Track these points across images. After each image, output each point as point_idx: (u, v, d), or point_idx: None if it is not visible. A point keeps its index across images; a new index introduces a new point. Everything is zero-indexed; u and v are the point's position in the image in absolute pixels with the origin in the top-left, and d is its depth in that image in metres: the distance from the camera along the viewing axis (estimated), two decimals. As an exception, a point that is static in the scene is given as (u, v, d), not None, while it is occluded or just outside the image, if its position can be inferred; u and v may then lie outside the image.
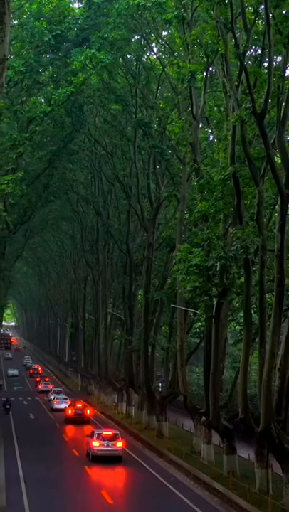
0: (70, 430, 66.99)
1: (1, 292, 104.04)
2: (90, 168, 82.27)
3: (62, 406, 78.49)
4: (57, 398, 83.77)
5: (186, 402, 51.98)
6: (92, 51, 49.57)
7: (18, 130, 52.62)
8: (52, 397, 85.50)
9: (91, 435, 50.08)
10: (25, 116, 52.13)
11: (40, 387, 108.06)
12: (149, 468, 47.16)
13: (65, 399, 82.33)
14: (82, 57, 49.81)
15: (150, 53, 61.82)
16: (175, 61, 46.62)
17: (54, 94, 51.33)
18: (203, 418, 47.46)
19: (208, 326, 45.88)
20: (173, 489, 40.66)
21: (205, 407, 46.36)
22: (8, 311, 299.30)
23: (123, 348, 78.88)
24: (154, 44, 59.96)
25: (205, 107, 47.19)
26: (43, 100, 58.80)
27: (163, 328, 69.06)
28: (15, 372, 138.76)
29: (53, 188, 77.84)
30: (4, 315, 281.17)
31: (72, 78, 51.04)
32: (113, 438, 49.28)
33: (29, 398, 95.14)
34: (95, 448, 48.52)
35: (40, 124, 53.46)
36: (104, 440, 48.79)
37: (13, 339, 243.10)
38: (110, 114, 67.49)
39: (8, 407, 74.50)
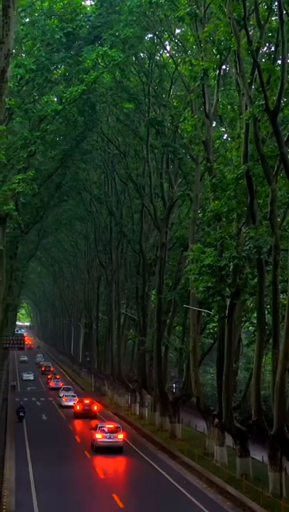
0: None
1: (14, 292, 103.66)
2: (103, 168, 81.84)
3: (70, 403, 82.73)
4: (66, 396, 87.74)
5: (198, 404, 51.40)
6: (103, 49, 49.02)
7: (29, 129, 52.09)
8: (61, 395, 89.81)
9: (95, 428, 54.55)
10: (37, 115, 51.62)
11: (51, 384, 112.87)
12: (161, 470, 46.65)
13: (74, 396, 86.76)
14: (94, 55, 49.26)
15: (163, 51, 61.34)
16: (188, 58, 45.98)
17: (65, 93, 50.77)
18: (216, 420, 46.89)
19: (221, 327, 45.38)
20: (185, 492, 40.17)
21: (218, 409, 45.84)
22: (22, 311, 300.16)
23: (136, 348, 78.35)
24: (167, 42, 59.44)
25: (218, 105, 46.57)
26: (55, 99, 58.46)
27: (177, 328, 68.58)
28: (30, 376, 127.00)
29: (66, 188, 77.43)
30: (19, 315, 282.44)
31: (84, 76, 50.49)
32: (115, 431, 53.80)
33: (42, 399, 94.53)
34: (98, 440, 52.91)
35: (52, 122, 52.92)
36: (106, 432, 53.25)
37: (28, 339, 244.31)
38: (123, 113, 66.99)
39: (22, 414, 68.35)
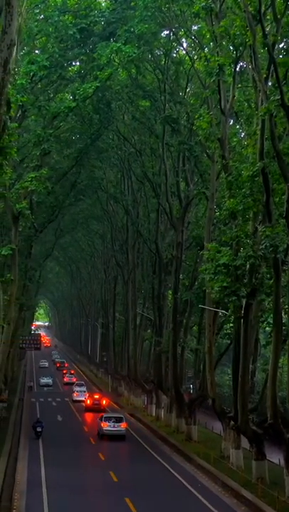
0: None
1: (30, 292, 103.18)
2: (119, 167, 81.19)
3: (81, 398, 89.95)
4: (77, 391, 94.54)
5: (214, 406, 50.61)
6: (117, 45, 48.26)
7: (43, 126, 51.46)
8: (74, 390, 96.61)
9: (101, 418, 61.88)
10: (50, 112, 50.94)
11: (66, 379, 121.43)
12: (175, 473, 45.92)
13: (84, 391, 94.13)
14: (108, 51, 48.50)
15: (179, 48, 60.57)
16: (202, 54, 45.18)
17: (79, 89, 50.05)
18: (232, 422, 46.06)
19: (237, 327, 44.52)
20: (199, 496, 39.43)
21: (233, 411, 44.98)
22: (41, 311, 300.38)
23: (153, 349, 77.66)
24: (183, 39, 58.67)
25: (234, 102, 45.75)
26: (71, 97, 57.82)
27: (193, 328, 67.82)
28: (49, 381, 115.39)
29: (81, 187, 76.77)
30: (37, 314, 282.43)
31: (98, 73, 49.78)
32: (118, 420, 61.10)
33: (58, 399, 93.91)
34: (104, 428, 59.84)
35: (65, 119, 52.28)
36: (111, 422, 60.42)
37: (46, 339, 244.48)
38: (139, 111, 66.29)
39: (39, 429, 58.22)
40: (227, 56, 43.52)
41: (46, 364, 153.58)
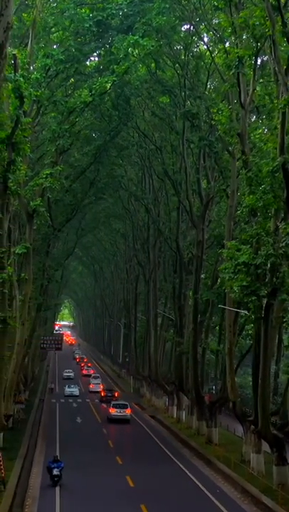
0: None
1: (51, 292, 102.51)
2: (140, 164, 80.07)
3: (97, 389, 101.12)
4: (93, 383, 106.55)
5: (235, 409, 49.24)
6: (135, 38, 46.96)
7: (58, 122, 50.32)
8: (90, 382, 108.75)
9: (109, 405, 74.50)
10: (66, 107, 49.74)
11: (84, 372, 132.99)
12: (194, 478, 44.76)
13: (99, 384, 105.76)
14: (125, 44, 47.21)
15: (200, 43, 59.21)
16: (221, 46, 43.83)
17: (95, 84, 48.83)
18: (253, 426, 44.70)
19: (257, 328, 43.16)
20: (217, 503, 38.20)
21: (253, 415, 43.59)
22: (66, 311, 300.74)
23: (174, 349, 76.48)
24: (205, 34, 57.35)
25: (254, 95, 44.37)
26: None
27: (216, 329, 66.49)
28: (74, 390, 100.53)
29: (101, 185, 75.60)
30: (61, 314, 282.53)
31: (115, 67, 48.55)
32: (124, 407, 72.65)
33: (79, 400, 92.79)
34: (112, 413, 71.30)
35: (81, 114, 51.13)
36: (117, 408, 71.96)
37: (70, 338, 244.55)
38: (159, 107, 65.09)
39: (57, 472, 40.62)
40: (247, 48, 42.15)
41: (72, 374, 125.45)
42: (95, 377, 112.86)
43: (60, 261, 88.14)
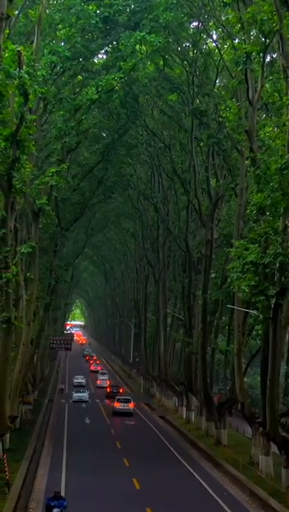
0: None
1: (60, 291, 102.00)
2: (149, 163, 79.50)
3: (104, 385, 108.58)
4: (100, 379, 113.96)
5: (243, 410, 48.61)
6: (141, 34, 46.31)
7: (64, 119, 49.69)
8: (98, 378, 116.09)
9: (114, 399, 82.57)
10: (72, 105, 49.12)
11: (92, 368, 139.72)
12: (201, 480, 44.15)
13: (106, 380, 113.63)
14: (132, 40, 46.55)
15: (208, 39, 58.57)
16: (229, 41, 43.18)
17: (101, 81, 48.19)
18: (261, 428, 44.04)
19: (266, 328, 42.47)
20: (224, 506, 37.59)
21: (262, 416, 42.91)
22: (77, 311, 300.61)
23: (183, 350, 75.86)
24: (214, 31, 56.74)
25: (262, 92, 43.65)
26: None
27: (226, 329, 65.79)
28: (84, 395, 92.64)
29: (110, 184, 74.97)
30: (73, 314, 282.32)
31: (122, 63, 47.91)
32: (127, 401, 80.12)
33: (88, 401, 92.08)
34: (117, 407, 78.74)
35: (87, 112, 50.44)
36: (121, 402, 79.33)
37: (82, 338, 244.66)
38: (167, 105, 64.49)
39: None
40: (255, 44, 41.50)
41: (83, 381, 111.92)
42: (102, 373, 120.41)
43: (69, 260, 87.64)
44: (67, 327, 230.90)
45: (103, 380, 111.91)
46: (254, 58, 42.04)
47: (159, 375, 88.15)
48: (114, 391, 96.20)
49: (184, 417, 73.08)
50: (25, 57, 38.25)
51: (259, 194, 38.03)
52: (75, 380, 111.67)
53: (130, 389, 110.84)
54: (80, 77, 57.57)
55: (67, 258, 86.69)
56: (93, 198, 71.49)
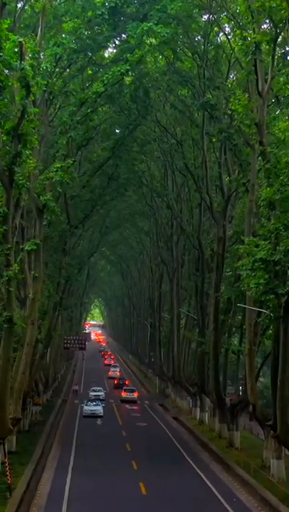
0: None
1: (77, 291, 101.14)
2: (162, 160, 78.28)
3: (115, 375, 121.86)
4: (112, 370, 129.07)
5: (255, 412, 47.24)
6: (148, 25, 44.98)
7: (69, 113, 48.51)
8: (110, 369, 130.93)
9: (121, 389, 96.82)
10: (77, 98, 47.92)
11: (106, 362, 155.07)
12: (210, 485, 42.66)
13: (116, 371, 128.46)
14: (139, 31, 45.20)
15: (219, 31, 57.20)
16: (238, 31, 41.83)
17: (108, 73, 46.91)
18: (272, 431, 42.63)
19: (277, 328, 41.08)
20: (232, 513, 36.23)
21: (273, 419, 41.51)
22: (96, 310, 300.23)
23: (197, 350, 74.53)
24: (226, 25, 55.37)
25: (272, 83, 42.29)
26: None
27: (240, 328, 64.44)
28: (97, 408, 75.93)
29: (121, 181, 73.66)
30: (92, 313, 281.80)
31: (128, 55, 46.65)
32: (132, 391, 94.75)
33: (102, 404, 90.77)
34: (123, 396, 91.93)
35: (93, 106, 49.17)
36: (128, 392, 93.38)
37: (100, 338, 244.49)
38: (178, 99, 63.21)
39: None
40: (265, 35, 40.14)
41: (102, 394, 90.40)
42: (114, 366, 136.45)
43: (83, 259, 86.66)
44: (87, 326, 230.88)
45: (114, 372, 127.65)
46: (264, 49, 40.76)
47: (173, 375, 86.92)
48: (121, 383, 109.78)
49: (198, 418, 71.73)
50: (28, 49, 37.19)
51: (268, 188, 36.71)
52: (92, 393, 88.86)
53: (146, 389, 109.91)
54: (89, 71, 56.44)
55: (81, 257, 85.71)
56: (104, 196, 70.21)
